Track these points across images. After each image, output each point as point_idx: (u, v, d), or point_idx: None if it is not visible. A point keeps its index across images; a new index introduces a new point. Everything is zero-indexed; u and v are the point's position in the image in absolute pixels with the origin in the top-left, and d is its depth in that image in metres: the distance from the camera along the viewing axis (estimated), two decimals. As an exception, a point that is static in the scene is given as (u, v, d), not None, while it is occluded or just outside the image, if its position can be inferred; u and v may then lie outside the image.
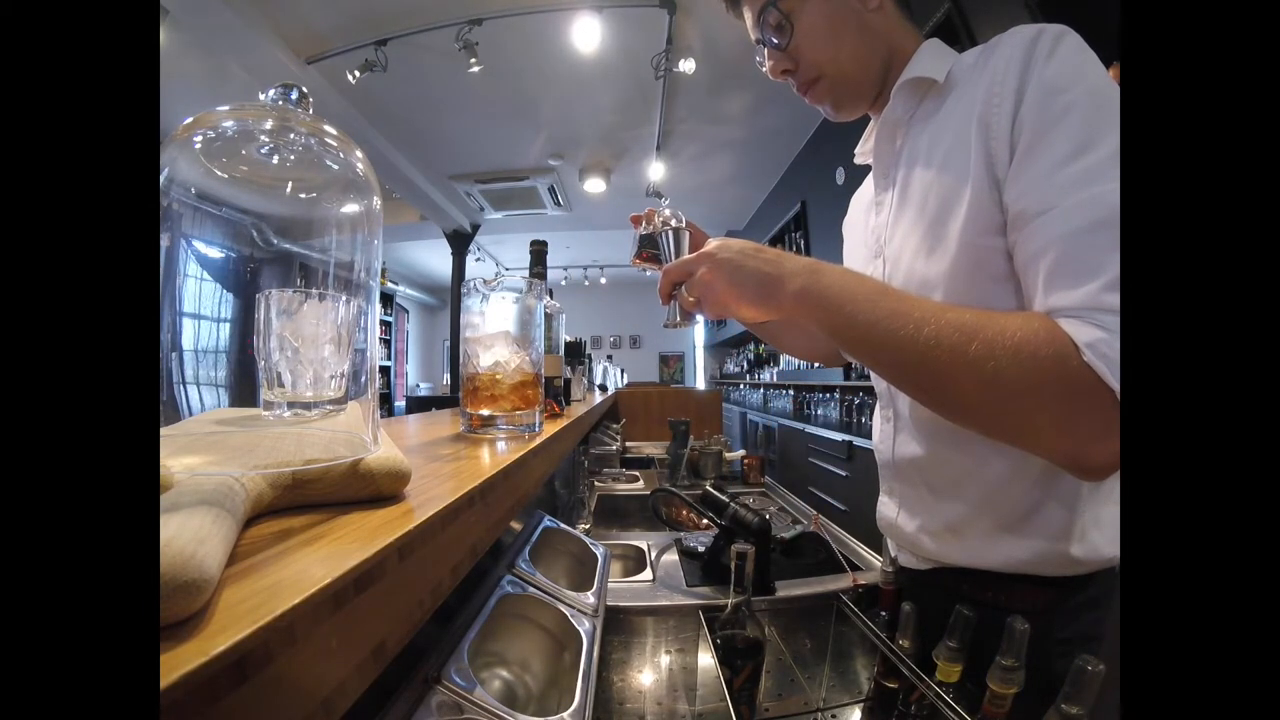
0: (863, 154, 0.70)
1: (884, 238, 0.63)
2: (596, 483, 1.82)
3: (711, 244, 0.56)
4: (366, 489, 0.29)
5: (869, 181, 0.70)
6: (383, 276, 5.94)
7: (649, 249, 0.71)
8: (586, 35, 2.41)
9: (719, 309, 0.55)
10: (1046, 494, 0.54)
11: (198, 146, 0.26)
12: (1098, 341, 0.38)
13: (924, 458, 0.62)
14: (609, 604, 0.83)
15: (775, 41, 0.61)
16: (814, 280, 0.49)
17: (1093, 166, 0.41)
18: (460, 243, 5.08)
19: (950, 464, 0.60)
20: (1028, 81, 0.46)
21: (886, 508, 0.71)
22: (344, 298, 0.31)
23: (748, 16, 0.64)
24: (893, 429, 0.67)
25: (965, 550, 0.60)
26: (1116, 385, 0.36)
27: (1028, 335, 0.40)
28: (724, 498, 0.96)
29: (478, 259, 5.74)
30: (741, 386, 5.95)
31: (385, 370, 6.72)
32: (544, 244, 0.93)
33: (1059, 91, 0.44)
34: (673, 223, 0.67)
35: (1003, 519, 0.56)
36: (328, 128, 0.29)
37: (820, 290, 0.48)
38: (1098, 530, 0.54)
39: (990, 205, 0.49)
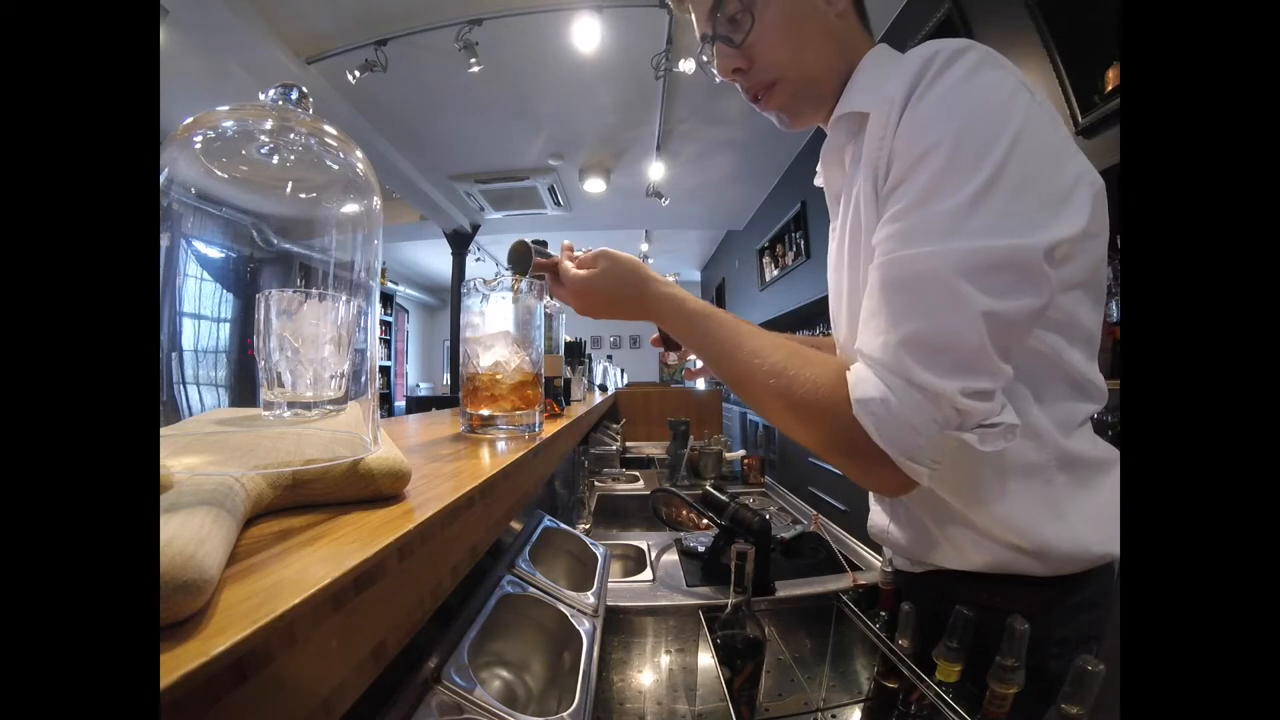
0: (819, 177, 0.66)
1: (834, 266, 0.62)
2: (596, 483, 1.82)
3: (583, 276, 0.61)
4: (366, 489, 0.29)
5: None
6: (383, 276, 5.94)
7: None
8: (586, 35, 2.41)
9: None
10: (1026, 496, 0.53)
11: (198, 146, 0.26)
12: (872, 400, 0.40)
13: None
14: (609, 604, 0.83)
15: (730, 37, 0.55)
16: (674, 320, 0.56)
17: (922, 224, 0.40)
18: (460, 243, 5.07)
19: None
20: (904, 116, 0.43)
21: (878, 516, 0.71)
22: (344, 298, 0.31)
23: (697, 11, 0.58)
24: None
25: (957, 553, 0.60)
26: (880, 441, 0.40)
27: (817, 384, 0.44)
28: (724, 498, 0.96)
29: (478, 259, 5.74)
30: (741, 386, 5.93)
31: (385, 370, 6.71)
32: (544, 244, 0.93)
33: (922, 133, 0.42)
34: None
35: (988, 522, 0.55)
36: (328, 128, 0.29)
37: (679, 328, 0.56)
38: (1085, 528, 0.53)
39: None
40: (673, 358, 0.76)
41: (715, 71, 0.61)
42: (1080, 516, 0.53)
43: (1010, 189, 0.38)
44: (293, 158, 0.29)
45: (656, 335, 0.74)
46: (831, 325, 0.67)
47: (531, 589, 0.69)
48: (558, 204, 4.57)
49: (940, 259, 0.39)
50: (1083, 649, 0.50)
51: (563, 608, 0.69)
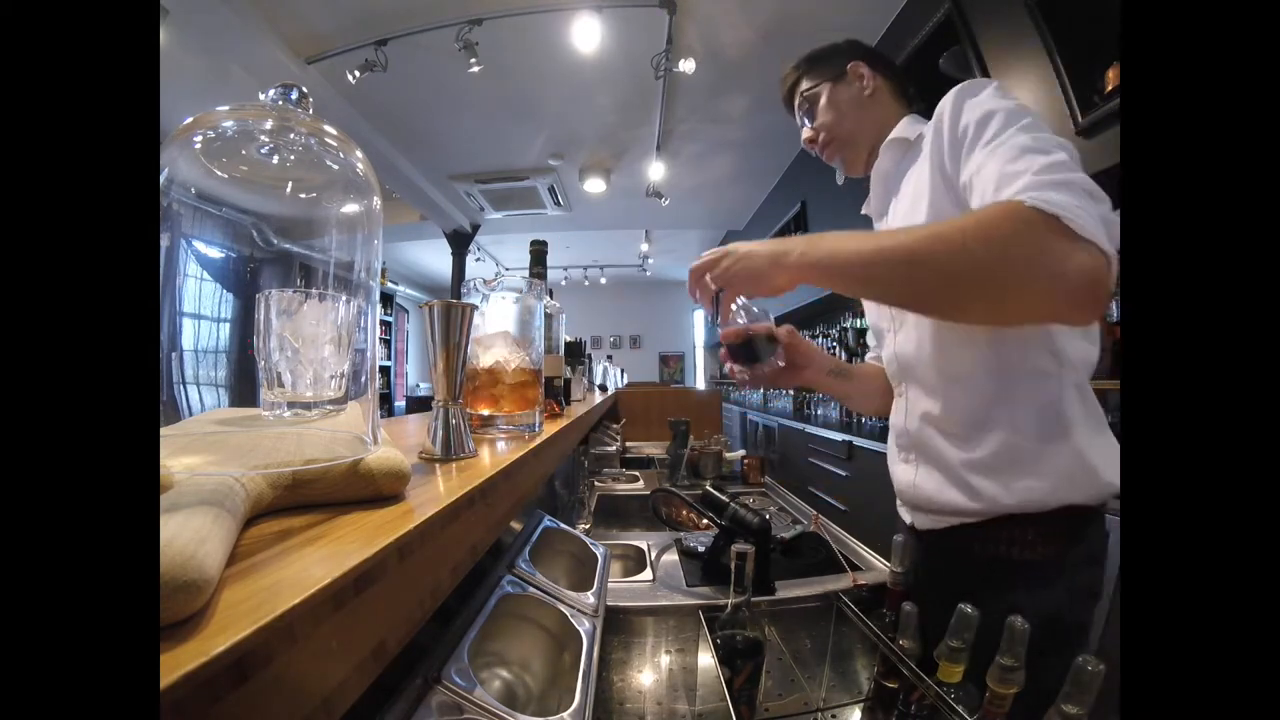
0: (867, 208, 0.90)
1: None
2: (596, 483, 1.82)
3: (729, 247, 0.71)
4: (366, 489, 0.29)
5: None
6: (383, 276, 5.93)
7: (736, 350, 0.78)
8: (586, 35, 2.41)
9: (741, 284, 0.69)
10: (1056, 427, 0.64)
11: (198, 146, 0.26)
12: (1035, 196, 0.50)
13: (940, 412, 0.73)
14: (609, 604, 0.83)
15: (807, 120, 0.88)
16: (812, 244, 0.63)
17: (1013, 133, 0.59)
18: (460, 243, 5.07)
19: (965, 406, 0.70)
20: (963, 109, 0.65)
21: (904, 473, 0.80)
22: (344, 298, 0.31)
23: (795, 109, 0.91)
24: (904, 402, 0.80)
25: (990, 489, 0.67)
26: (1060, 212, 0.48)
27: (983, 212, 0.54)
28: (724, 498, 0.96)
29: (478, 259, 5.73)
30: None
31: (385, 370, 6.71)
32: (544, 244, 0.93)
33: (986, 107, 0.63)
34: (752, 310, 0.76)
35: (1020, 454, 0.65)
36: (328, 128, 0.29)
37: (819, 250, 0.62)
38: (1095, 453, 0.63)
39: (945, 200, 0.67)
40: (739, 371, 0.80)
41: (805, 143, 0.90)
42: (1089, 443, 0.64)
43: (1035, 129, 0.59)
44: (293, 158, 0.29)
45: (724, 350, 0.80)
46: (883, 321, 0.85)
47: (531, 589, 0.69)
48: (558, 204, 4.57)
49: (1027, 142, 0.58)
50: (1091, 604, 0.63)
51: (563, 608, 0.69)
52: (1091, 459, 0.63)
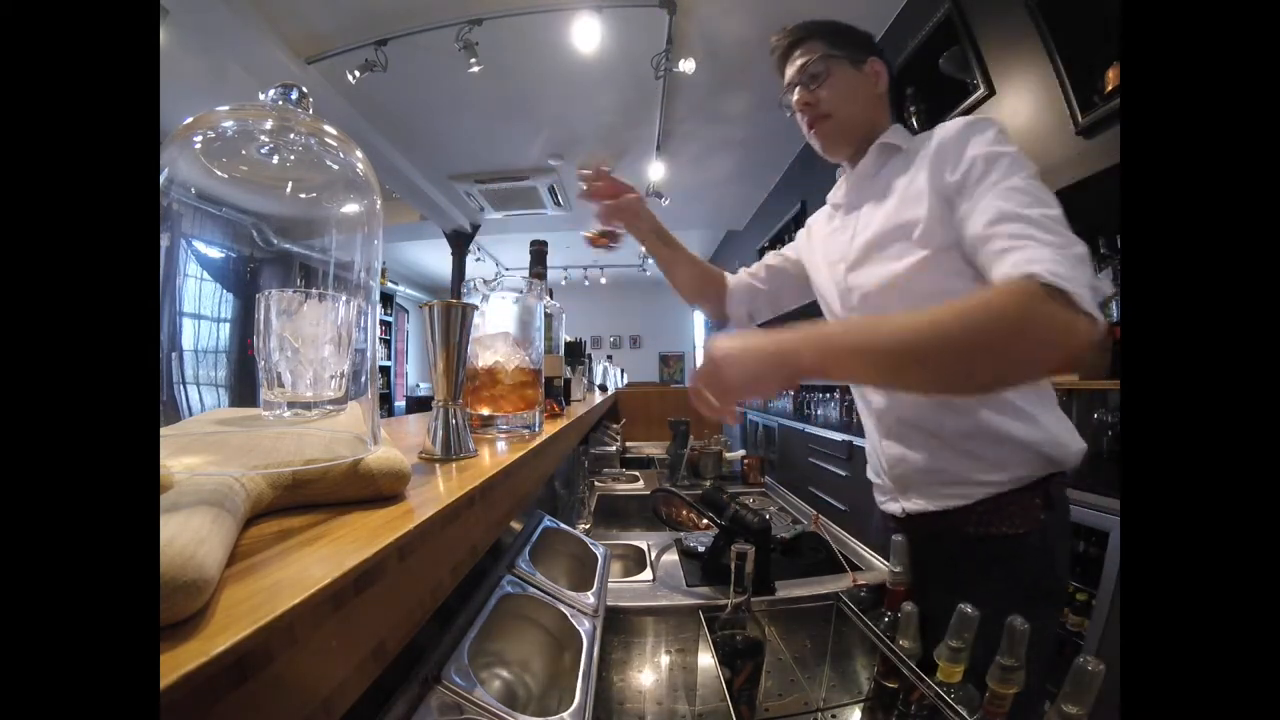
0: (834, 198, 0.93)
1: (848, 250, 0.84)
2: (596, 483, 1.82)
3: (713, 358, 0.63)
4: (367, 489, 0.29)
5: (826, 209, 0.98)
6: (383, 276, 5.93)
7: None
8: (586, 35, 2.41)
9: (748, 393, 0.63)
10: (1024, 407, 0.72)
11: (198, 146, 0.26)
12: (1045, 271, 0.54)
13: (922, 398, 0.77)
14: (609, 604, 0.83)
15: (810, 85, 0.84)
16: (819, 346, 0.59)
17: (1011, 186, 0.63)
18: (460, 243, 5.07)
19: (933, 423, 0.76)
20: (968, 144, 0.69)
21: (891, 448, 0.84)
22: (344, 298, 0.31)
23: (790, 68, 0.86)
24: (877, 430, 0.88)
25: (968, 460, 0.73)
26: (1068, 287, 0.52)
27: (1001, 293, 0.56)
28: (724, 498, 0.96)
29: (478, 259, 5.73)
30: (741, 386, 5.93)
31: (385, 370, 6.71)
32: (544, 244, 0.93)
33: (993, 148, 0.67)
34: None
35: (991, 412, 0.72)
36: (327, 128, 0.29)
37: (830, 351, 0.59)
38: (1057, 428, 0.72)
39: (941, 223, 0.70)
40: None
41: (791, 106, 0.88)
42: (1049, 419, 0.73)
43: (1033, 178, 0.64)
44: (293, 158, 0.29)
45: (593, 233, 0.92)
46: (837, 300, 0.87)
47: (531, 589, 0.69)
48: (558, 204, 4.57)
49: (1025, 186, 0.64)
50: (1069, 575, 0.69)
51: (563, 608, 0.69)
52: (1055, 429, 0.72)
